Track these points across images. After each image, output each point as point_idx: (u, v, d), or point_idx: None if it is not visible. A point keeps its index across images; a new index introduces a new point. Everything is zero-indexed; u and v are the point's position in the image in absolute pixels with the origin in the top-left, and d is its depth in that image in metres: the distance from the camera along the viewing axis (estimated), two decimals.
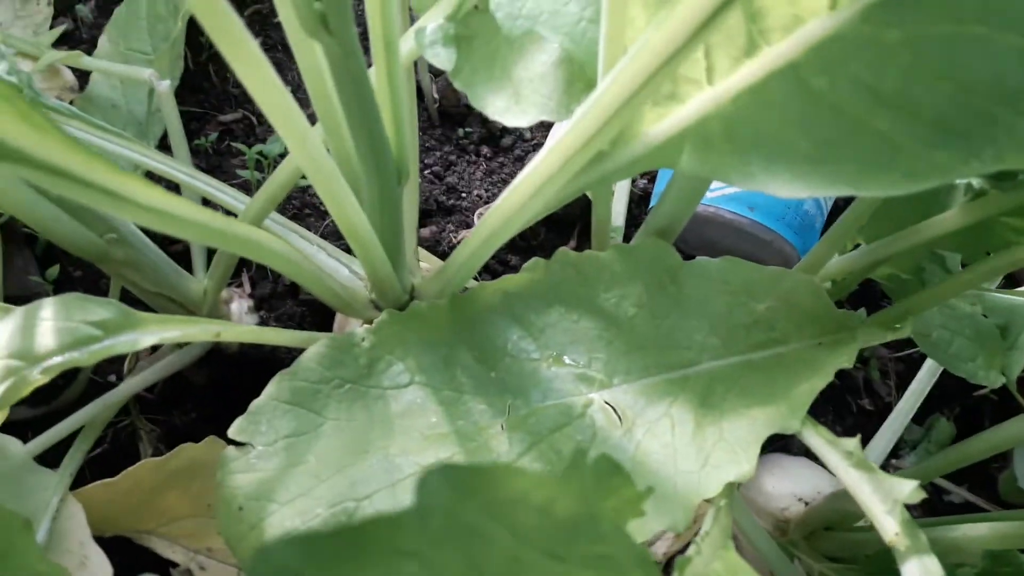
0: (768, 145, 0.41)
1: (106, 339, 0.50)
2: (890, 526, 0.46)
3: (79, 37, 0.98)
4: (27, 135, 0.34)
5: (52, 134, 0.35)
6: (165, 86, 0.79)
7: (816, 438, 0.53)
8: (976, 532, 0.55)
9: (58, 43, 0.96)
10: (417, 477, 0.40)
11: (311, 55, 0.47)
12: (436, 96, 0.96)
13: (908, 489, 0.47)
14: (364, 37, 0.81)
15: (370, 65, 0.47)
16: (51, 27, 0.95)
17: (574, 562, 0.24)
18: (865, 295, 0.97)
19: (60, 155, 0.36)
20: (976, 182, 0.48)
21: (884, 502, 0.48)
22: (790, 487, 0.76)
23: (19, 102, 0.33)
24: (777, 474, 0.78)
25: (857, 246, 0.68)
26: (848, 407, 0.88)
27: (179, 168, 0.68)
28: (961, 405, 0.94)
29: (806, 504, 0.75)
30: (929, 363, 0.82)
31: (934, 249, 0.61)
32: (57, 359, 0.47)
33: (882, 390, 0.90)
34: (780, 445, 0.85)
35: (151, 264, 0.68)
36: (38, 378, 0.46)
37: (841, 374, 0.89)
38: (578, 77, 0.52)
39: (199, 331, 0.54)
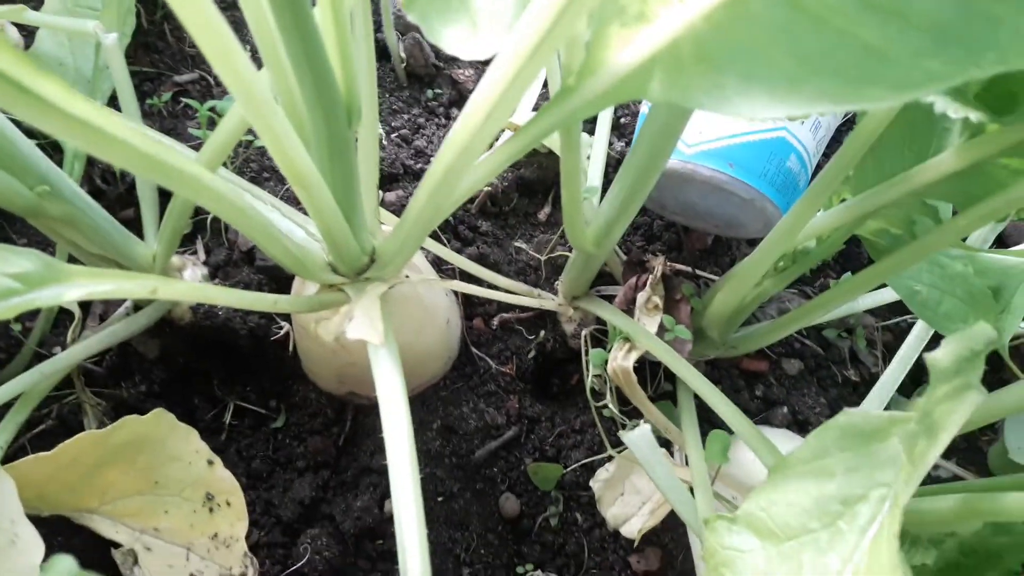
0: (744, 64, 0.37)
1: (28, 292, 0.45)
2: None
3: None
4: None
5: None
6: (112, 39, 0.74)
7: None
8: (977, 505, 0.51)
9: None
10: None
11: None
12: (403, 55, 0.92)
13: None
14: None
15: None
16: None
17: None
18: (850, 259, 0.93)
19: None
20: (975, 117, 0.44)
21: None
22: None
23: None
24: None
25: (843, 202, 0.65)
26: (833, 378, 0.85)
27: (127, 124, 0.64)
28: None
29: None
30: (916, 331, 0.79)
31: (926, 199, 0.57)
32: None
33: (868, 360, 0.86)
34: (762, 418, 0.81)
35: (91, 223, 0.64)
36: None
37: (825, 344, 0.86)
38: None
39: (133, 286, 0.50)
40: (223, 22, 0.37)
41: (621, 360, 0.68)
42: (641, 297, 0.74)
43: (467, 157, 0.45)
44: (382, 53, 0.93)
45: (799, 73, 0.35)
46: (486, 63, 0.49)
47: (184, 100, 0.87)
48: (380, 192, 0.84)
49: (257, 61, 0.45)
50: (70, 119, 0.35)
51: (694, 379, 0.65)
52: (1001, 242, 0.91)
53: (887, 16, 0.33)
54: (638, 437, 0.65)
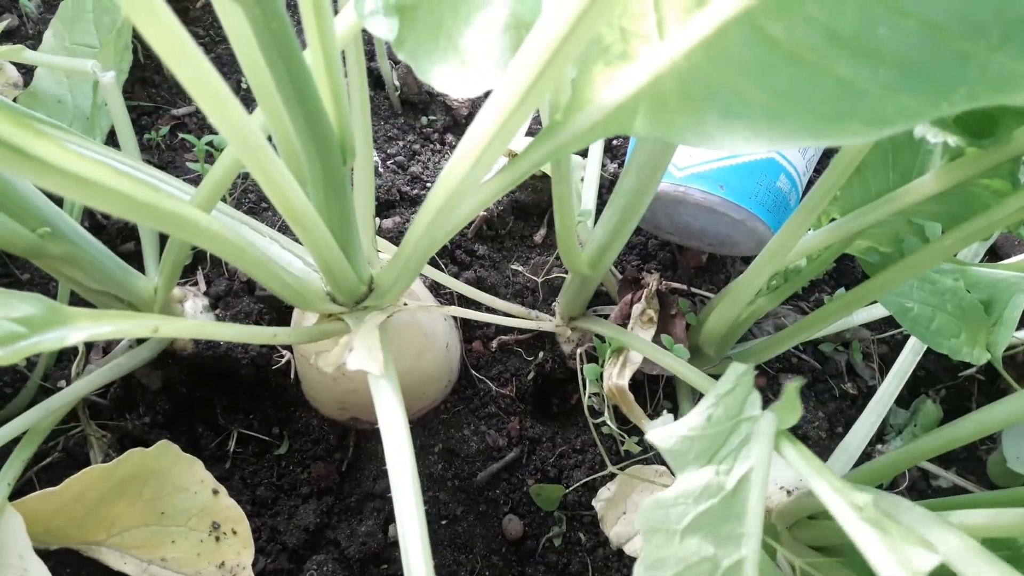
0: (724, 101, 0.38)
1: (32, 336, 0.46)
2: None
3: (24, 33, 0.95)
4: None
5: None
6: (109, 77, 0.75)
7: (821, 483, 0.47)
8: (974, 520, 0.52)
9: (2, 39, 0.92)
10: None
11: (238, 25, 0.44)
12: (397, 84, 0.93)
13: (929, 564, 0.40)
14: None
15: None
16: None
17: None
18: (844, 274, 0.94)
19: None
20: (953, 141, 0.45)
21: (900, 568, 0.41)
22: (772, 475, 0.73)
23: None
24: None
25: (832, 222, 0.66)
26: (831, 391, 0.85)
27: (124, 161, 0.65)
28: (947, 387, 0.91)
29: (788, 493, 0.72)
30: (912, 343, 0.80)
31: (912, 219, 0.58)
32: None
33: (865, 373, 0.87)
34: None
35: (92, 260, 0.65)
36: None
37: (823, 358, 0.87)
38: None
39: (134, 326, 0.51)
40: (216, 75, 0.38)
41: (616, 378, 0.69)
42: (636, 309, 0.75)
43: (459, 197, 0.46)
44: (376, 81, 0.94)
45: (776, 109, 0.36)
46: None
47: (182, 135, 0.88)
48: (377, 219, 0.85)
49: (252, 98, 0.46)
50: (65, 175, 0.36)
51: (694, 376, 0.64)
52: (993, 254, 0.92)
53: (859, 53, 0.34)
54: (662, 424, 0.65)
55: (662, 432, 0.45)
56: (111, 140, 0.82)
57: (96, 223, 0.84)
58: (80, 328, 0.48)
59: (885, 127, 0.33)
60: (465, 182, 0.45)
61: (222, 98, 0.40)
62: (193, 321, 0.71)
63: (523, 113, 0.40)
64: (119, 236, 0.83)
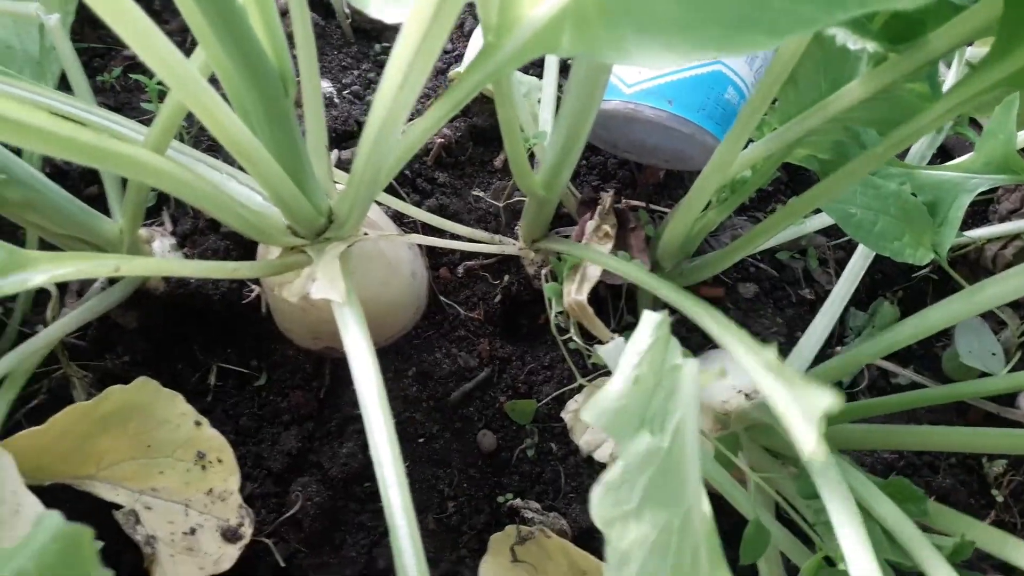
0: (638, 14, 0.39)
1: None
2: (808, 440, 0.43)
3: None
4: None
5: None
6: (54, 19, 0.75)
7: (735, 343, 0.50)
8: None
9: None
10: None
11: None
12: (348, 11, 0.93)
13: (827, 402, 0.43)
14: None
15: None
16: None
17: None
18: (801, 184, 0.96)
19: None
20: (872, 47, 0.46)
21: (803, 413, 0.44)
22: (730, 380, 0.76)
23: None
24: (717, 366, 0.78)
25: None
26: (788, 298, 0.88)
27: (75, 104, 0.65)
28: (903, 288, 0.94)
29: (747, 396, 0.75)
30: (863, 247, 0.82)
31: (848, 125, 0.59)
32: None
33: (822, 279, 0.89)
34: None
35: (53, 205, 0.66)
36: None
37: (779, 266, 0.89)
38: None
39: (94, 266, 0.52)
40: (136, 7, 0.39)
41: (575, 294, 0.71)
42: (590, 225, 0.76)
43: (398, 109, 0.48)
44: (327, 11, 0.93)
45: (686, 21, 0.37)
46: None
47: (134, 75, 0.88)
48: (336, 152, 0.86)
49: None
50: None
51: (647, 279, 0.66)
52: (946, 154, 0.94)
53: None
54: (612, 349, 0.68)
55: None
56: (64, 85, 0.82)
57: (58, 168, 0.84)
58: (41, 271, 0.49)
59: (784, 35, 0.34)
60: (399, 101, 0.46)
61: (145, 30, 0.40)
62: (153, 259, 0.73)
63: (444, 20, 0.41)
64: (82, 180, 0.84)
